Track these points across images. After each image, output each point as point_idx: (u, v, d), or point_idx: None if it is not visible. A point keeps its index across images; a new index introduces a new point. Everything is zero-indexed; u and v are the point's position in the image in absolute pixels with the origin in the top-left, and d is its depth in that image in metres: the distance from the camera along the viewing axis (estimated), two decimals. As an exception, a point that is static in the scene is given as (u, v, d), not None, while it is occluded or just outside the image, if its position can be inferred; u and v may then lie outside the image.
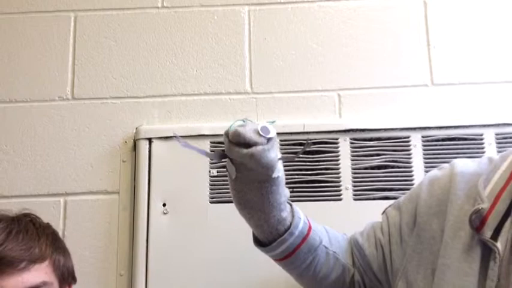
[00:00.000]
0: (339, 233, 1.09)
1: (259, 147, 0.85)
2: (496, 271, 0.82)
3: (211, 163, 1.38)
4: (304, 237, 0.99)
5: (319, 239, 1.01)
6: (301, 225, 0.98)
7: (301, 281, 1.07)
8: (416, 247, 0.95)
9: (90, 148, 1.45)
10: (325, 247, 1.02)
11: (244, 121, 0.89)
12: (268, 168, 0.88)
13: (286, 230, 0.97)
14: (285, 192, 0.96)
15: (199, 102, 1.47)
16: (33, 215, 1.09)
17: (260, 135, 0.86)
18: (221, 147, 1.39)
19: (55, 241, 1.06)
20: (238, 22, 1.52)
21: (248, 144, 0.86)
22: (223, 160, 0.91)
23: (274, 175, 0.89)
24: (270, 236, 0.98)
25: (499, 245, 0.83)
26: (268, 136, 0.87)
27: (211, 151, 1.38)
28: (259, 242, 1.01)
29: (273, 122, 0.91)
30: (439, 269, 0.89)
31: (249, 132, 0.86)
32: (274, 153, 0.88)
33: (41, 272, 1.00)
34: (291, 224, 0.97)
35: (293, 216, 0.98)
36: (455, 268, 0.87)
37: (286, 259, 1.00)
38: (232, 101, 1.47)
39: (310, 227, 1.00)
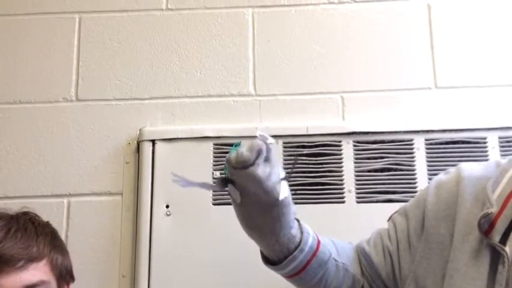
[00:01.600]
0: (345, 243, 1.07)
1: (261, 169, 0.82)
2: (505, 275, 0.82)
3: (214, 165, 1.38)
4: (314, 253, 0.97)
5: (328, 253, 0.99)
6: (310, 241, 0.96)
7: None
8: (425, 252, 0.95)
9: (94, 149, 1.45)
10: (335, 260, 1.00)
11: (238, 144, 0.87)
12: (272, 191, 0.84)
13: (296, 247, 0.95)
14: (293, 210, 0.93)
15: (202, 104, 1.47)
16: (33, 213, 1.08)
17: (258, 144, 0.82)
18: (224, 149, 1.39)
19: (53, 240, 1.06)
20: (242, 24, 1.52)
21: (251, 161, 0.82)
22: (225, 188, 0.87)
23: (281, 197, 0.85)
24: (280, 255, 0.95)
25: (508, 249, 0.83)
26: (268, 141, 0.83)
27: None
28: (268, 261, 0.99)
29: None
30: (448, 274, 0.89)
31: (248, 148, 0.82)
32: (275, 175, 0.84)
33: (39, 271, 0.99)
34: (300, 240, 0.95)
35: (302, 232, 0.96)
36: (464, 272, 0.87)
37: (297, 275, 0.98)
38: (236, 103, 1.47)
39: (319, 242, 0.98)
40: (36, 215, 1.09)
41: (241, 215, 0.91)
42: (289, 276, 0.99)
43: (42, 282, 0.99)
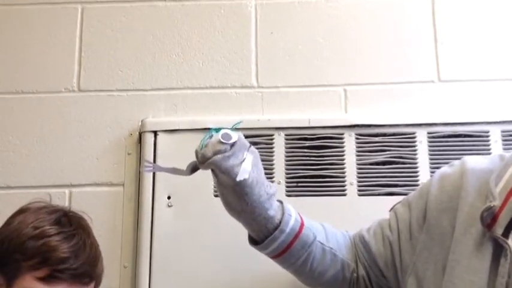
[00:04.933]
0: (339, 230, 1.10)
1: (218, 156, 0.91)
2: (507, 268, 0.83)
3: (216, 157, 1.38)
4: (296, 234, 1.01)
5: (312, 236, 1.02)
6: (291, 223, 1.00)
7: (299, 278, 1.08)
8: (426, 243, 0.96)
9: (96, 140, 1.45)
10: (321, 243, 1.03)
11: (211, 134, 0.94)
12: (229, 173, 0.92)
13: (276, 228, 0.99)
14: (266, 191, 0.98)
15: (205, 96, 1.47)
16: (85, 219, 1.07)
17: (223, 143, 0.92)
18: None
19: (102, 260, 1.06)
20: (245, 16, 1.51)
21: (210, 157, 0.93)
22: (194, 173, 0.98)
23: (239, 178, 0.93)
24: (261, 234, 1.00)
25: (510, 242, 0.84)
26: (230, 142, 0.93)
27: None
28: (253, 241, 1.03)
29: (238, 123, 0.97)
30: (449, 265, 0.90)
31: (211, 149, 0.92)
32: (236, 159, 0.93)
33: None
34: (280, 221, 0.99)
35: (283, 214, 1.00)
36: (466, 264, 0.88)
37: (280, 256, 1.02)
38: (238, 95, 1.47)
39: (302, 224, 1.02)
40: (86, 220, 1.07)
41: (219, 193, 0.99)
42: (274, 257, 1.03)
43: None
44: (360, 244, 1.07)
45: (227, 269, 1.33)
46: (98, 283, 1.04)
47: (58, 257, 0.94)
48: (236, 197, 0.96)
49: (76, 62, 1.50)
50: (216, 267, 1.33)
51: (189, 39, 1.51)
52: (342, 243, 1.06)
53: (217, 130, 0.94)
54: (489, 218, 0.86)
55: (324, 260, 1.03)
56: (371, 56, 1.47)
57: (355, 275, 1.05)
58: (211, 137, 0.94)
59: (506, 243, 0.84)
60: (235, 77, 1.48)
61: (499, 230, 0.85)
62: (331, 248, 1.04)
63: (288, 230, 0.99)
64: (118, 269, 1.38)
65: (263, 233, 1.00)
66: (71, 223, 1.01)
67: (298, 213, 1.04)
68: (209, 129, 0.96)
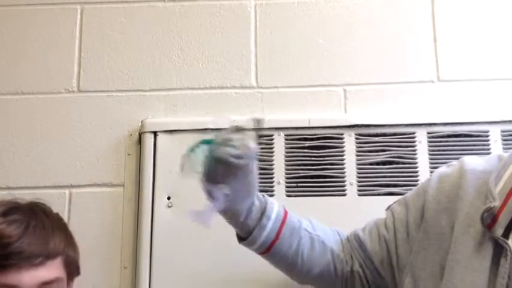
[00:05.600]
0: (328, 227, 1.10)
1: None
2: (507, 268, 0.83)
3: (216, 157, 1.38)
4: (283, 220, 1.02)
5: (298, 222, 1.04)
6: (276, 209, 1.02)
7: (291, 274, 1.08)
8: (423, 243, 0.96)
9: (96, 141, 1.45)
10: (308, 231, 1.04)
11: (198, 145, 0.95)
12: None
13: (262, 214, 1.01)
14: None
15: (204, 96, 1.47)
16: (46, 206, 1.07)
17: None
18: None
19: (67, 236, 1.05)
20: (244, 16, 1.51)
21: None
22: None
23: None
24: (252, 223, 1.01)
25: (510, 242, 0.84)
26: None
27: None
28: (242, 239, 1.04)
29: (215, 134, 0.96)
30: (449, 265, 0.90)
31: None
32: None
33: (55, 268, 1.00)
34: (265, 207, 1.01)
35: (266, 202, 1.02)
36: (466, 264, 0.88)
37: (271, 248, 1.02)
38: (238, 95, 1.47)
39: (286, 212, 1.04)
40: (49, 207, 1.08)
41: (226, 200, 0.98)
42: (266, 250, 1.03)
43: (57, 279, 1.00)
44: (354, 242, 1.07)
45: (227, 269, 1.33)
46: (68, 262, 1.03)
47: (1, 243, 0.94)
48: (247, 184, 0.97)
49: (76, 63, 1.50)
50: (216, 268, 1.33)
51: (188, 39, 1.51)
52: (330, 235, 1.07)
53: (208, 141, 0.94)
54: (489, 219, 0.87)
55: (313, 249, 1.03)
56: (370, 56, 1.47)
57: (348, 268, 1.05)
58: (198, 146, 0.94)
59: (507, 244, 0.84)
60: (234, 77, 1.48)
61: (499, 230, 0.86)
62: (318, 236, 1.05)
63: (273, 216, 1.01)
64: (118, 269, 1.38)
65: (253, 222, 1.01)
66: (18, 211, 1.01)
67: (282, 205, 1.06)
68: (207, 129, 0.95)
